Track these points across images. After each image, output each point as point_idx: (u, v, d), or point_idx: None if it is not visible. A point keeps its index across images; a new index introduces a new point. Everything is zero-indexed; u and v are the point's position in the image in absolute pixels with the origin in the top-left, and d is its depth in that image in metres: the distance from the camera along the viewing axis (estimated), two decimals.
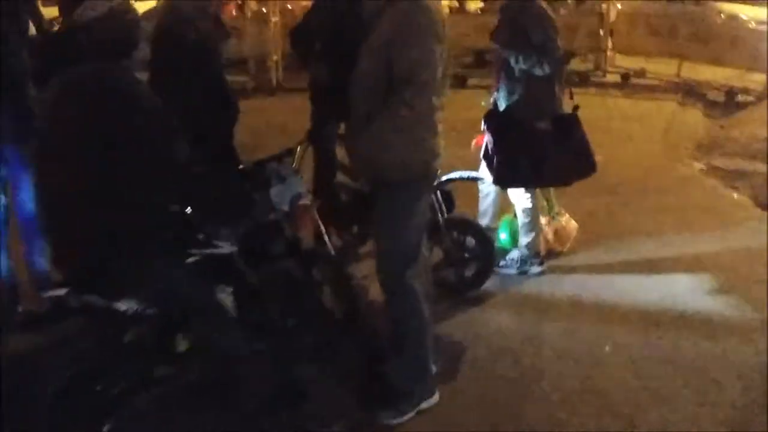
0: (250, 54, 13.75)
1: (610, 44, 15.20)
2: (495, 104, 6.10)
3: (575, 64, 15.08)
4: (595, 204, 7.79)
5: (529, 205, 6.13)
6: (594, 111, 12.09)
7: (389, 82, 3.93)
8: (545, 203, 6.54)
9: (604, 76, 14.95)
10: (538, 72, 5.77)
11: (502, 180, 5.97)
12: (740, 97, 13.36)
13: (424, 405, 4.32)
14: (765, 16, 14.30)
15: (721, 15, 17.13)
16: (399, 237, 4.15)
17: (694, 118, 12.28)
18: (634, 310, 5.64)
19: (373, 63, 3.96)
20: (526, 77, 5.81)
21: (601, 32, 15.12)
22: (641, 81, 14.50)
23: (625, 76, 14.61)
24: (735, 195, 8.37)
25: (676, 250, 6.75)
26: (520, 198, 6.13)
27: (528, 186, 6.03)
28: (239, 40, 12.70)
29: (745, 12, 16.92)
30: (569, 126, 5.97)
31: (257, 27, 13.81)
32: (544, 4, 5.92)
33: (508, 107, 5.96)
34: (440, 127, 4.22)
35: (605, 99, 13.46)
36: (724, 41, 14.30)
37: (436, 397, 4.39)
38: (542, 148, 5.84)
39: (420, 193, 4.16)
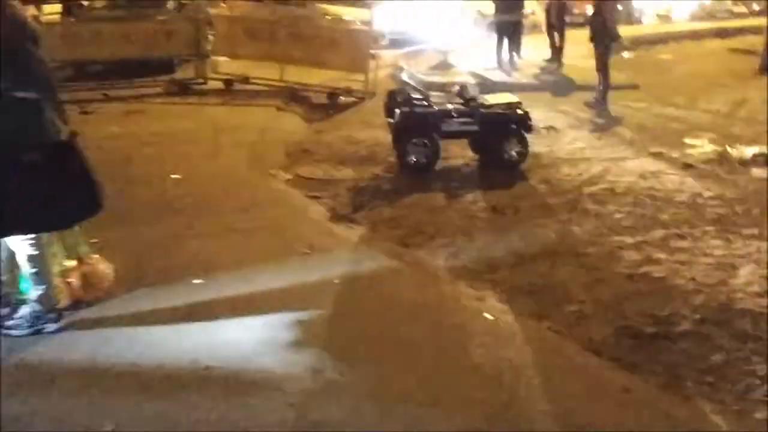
0: None
1: (211, 50, 14.32)
2: None
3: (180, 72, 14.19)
4: (154, 232, 6.62)
5: (34, 252, 4.86)
6: (185, 122, 11.10)
7: None
8: (67, 245, 5.33)
9: (206, 83, 14.00)
10: (20, 93, 4.56)
11: None
12: (343, 99, 13.10)
13: None
14: (369, 17, 14.27)
15: (327, 16, 17.08)
16: None
17: (291, 123, 11.67)
18: (160, 372, 4.46)
19: None
20: (5, 100, 4.57)
21: (209, 37, 14.26)
22: (246, 87, 13.75)
23: (228, 83, 13.80)
24: (314, 209, 7.67)
25: (233, 287, 5.59)
26: (20, 245, 4.85)
27: (19, 232, 4.77)
28: None
29: (350, 13, 17.00)
30: (65, 157, 4.76)
31: None
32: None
33: None
34: None
35: (203, 109, 12.45)
36: (324, 43, 13.99)
37: None
38: (33, 185, 4.60)
39: None
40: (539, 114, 11.34)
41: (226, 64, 14.41)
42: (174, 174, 8.46)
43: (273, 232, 6.80)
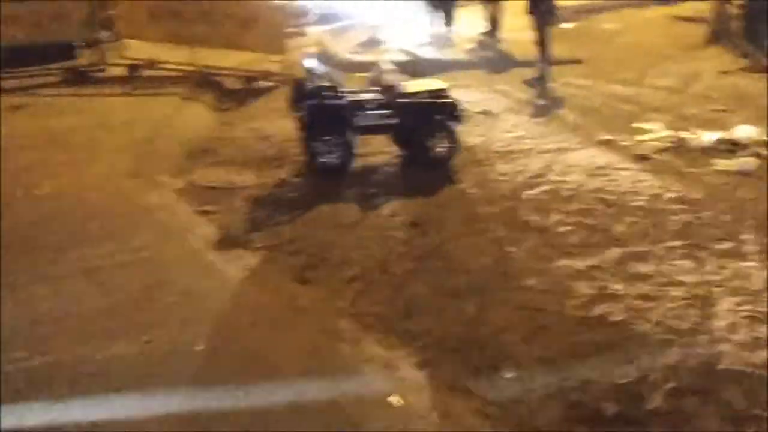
0: None
1: (110, 34, 12.75)
2: None
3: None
4: None
5: None
6: (71, 119, 9.57)
7: None
8: None
9: (106, 70, 12.38)
10: None
11: None
12: (261, 84, 11.65)
13: None
14: None
15: None
16: None
17: (196, 115, 10.15)
18: None
19: None
20: None
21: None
22: (152, 73, 12.20)
23: (133, 69, 12.21)
24: (200, 230, 6.31)
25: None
26: None
27: None
28: None
29: None
30: None
31: None
32: None
33: None
34: None
35: (98, 101, 10.81)
36: (238, 21, 12.45)
37: None
38: None
39: None
40: (474, 96, 10.17)
41: (135, 49, 12.85)
42: (36, 191, 7.01)
43: (136, 271, 5.55)
